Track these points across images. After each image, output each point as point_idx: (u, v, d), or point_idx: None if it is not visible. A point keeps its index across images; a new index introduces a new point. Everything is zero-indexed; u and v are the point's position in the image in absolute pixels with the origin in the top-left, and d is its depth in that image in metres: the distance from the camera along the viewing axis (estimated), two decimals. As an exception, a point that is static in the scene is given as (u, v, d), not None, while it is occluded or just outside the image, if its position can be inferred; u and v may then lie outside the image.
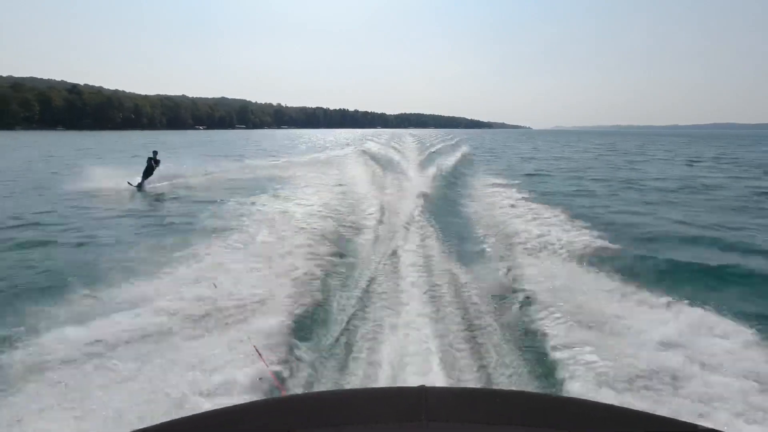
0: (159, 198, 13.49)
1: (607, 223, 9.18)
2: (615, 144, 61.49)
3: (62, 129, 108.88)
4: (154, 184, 15.21)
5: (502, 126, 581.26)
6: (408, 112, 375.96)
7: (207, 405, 2.83)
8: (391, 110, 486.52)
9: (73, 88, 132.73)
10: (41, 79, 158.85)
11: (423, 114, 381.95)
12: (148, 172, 15.03)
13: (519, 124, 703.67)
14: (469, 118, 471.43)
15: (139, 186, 14.58)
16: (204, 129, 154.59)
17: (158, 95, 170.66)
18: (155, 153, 15.53)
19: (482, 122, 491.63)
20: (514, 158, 31.45)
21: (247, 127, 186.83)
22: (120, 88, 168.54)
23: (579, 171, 22.72)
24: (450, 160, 21.45)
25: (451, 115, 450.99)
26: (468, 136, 65.67)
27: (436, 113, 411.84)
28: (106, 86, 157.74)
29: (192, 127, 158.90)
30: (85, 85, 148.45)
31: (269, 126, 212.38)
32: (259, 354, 3.41)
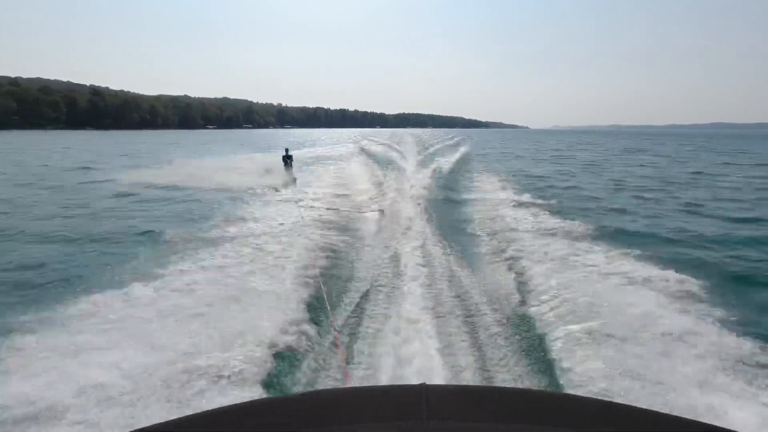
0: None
1: (505, 168, 20.54)
2: (579, 140, 73.07)
3: (90, 129, 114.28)
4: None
5: (499, 125, 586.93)
6: (407, 112, 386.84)
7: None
8: (391, 110, 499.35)
9: (95, 91, 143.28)
10: (46, 79, 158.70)
11: (421, 114, 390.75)
12: (288, 168, 17.39)
13: (516, 123, 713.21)
14: (467, 117, 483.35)
15: (294, 180, 17.07)
16: (214, 128, 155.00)
17: (166, 95, 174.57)
18: (287, 150, 17.74)
19: (479, 122, 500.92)
20: (480, 150, 42.85)
21: (253, 127, 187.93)
22: (122, 88, 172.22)
23: (513, 154, 35.24)
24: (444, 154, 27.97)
25: (449, 114, 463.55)
26: (460, 135, 71.82)
27: (435, 113, 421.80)
28: (108, 86, 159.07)
29: (202, 126, 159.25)
30: (90, 85, 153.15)
31: (273, 126, 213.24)
32: (338, 345, 3.68)
